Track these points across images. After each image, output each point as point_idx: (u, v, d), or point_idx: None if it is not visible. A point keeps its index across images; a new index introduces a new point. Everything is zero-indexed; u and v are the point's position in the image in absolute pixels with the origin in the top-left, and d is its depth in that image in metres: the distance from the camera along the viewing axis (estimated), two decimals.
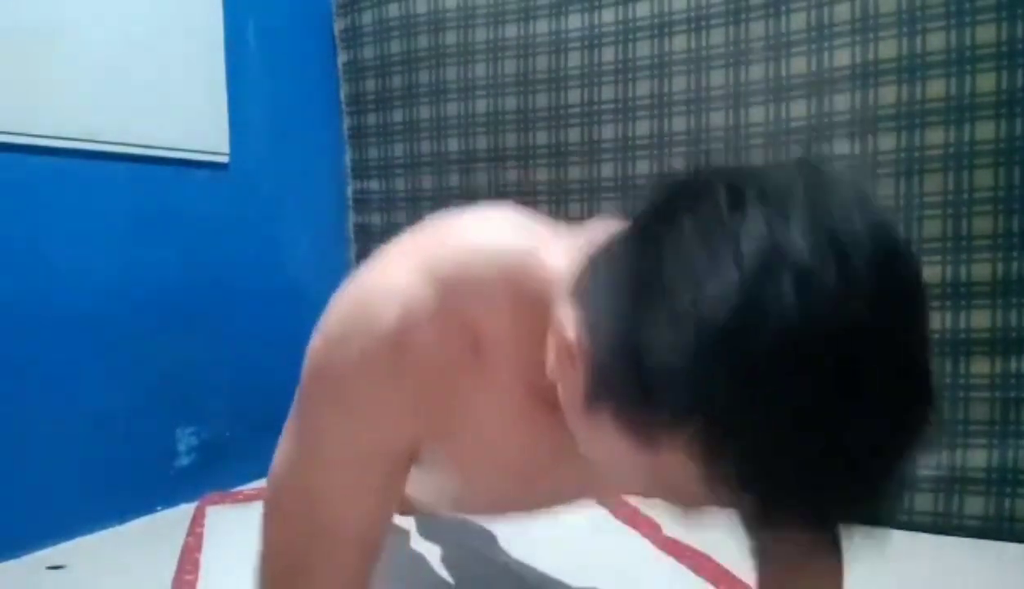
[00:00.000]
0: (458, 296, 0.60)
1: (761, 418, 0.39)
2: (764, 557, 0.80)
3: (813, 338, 0.39)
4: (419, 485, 0.72)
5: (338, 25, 2.41)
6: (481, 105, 2.19)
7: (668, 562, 1.51)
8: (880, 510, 0.43)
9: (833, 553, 0.77)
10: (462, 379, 0.61)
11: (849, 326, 0.39)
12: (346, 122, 2.44)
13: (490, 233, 0.63)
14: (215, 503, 1.91)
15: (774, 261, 0.39)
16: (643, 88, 1.97)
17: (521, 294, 0.60)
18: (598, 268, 0.49)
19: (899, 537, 1.67)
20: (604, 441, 0.47)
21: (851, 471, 0.41)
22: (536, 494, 0.74)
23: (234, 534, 1.71)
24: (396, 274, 0.62)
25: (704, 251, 0.41)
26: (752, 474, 0.41)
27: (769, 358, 0.39)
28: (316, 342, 0.66)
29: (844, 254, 0.40)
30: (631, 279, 0.44)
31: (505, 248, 0.62)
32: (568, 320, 0.50)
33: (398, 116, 2.33)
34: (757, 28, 1.83)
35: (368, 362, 0.60)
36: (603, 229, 0.53)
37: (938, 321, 1.68)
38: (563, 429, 0.54)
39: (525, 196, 2.15)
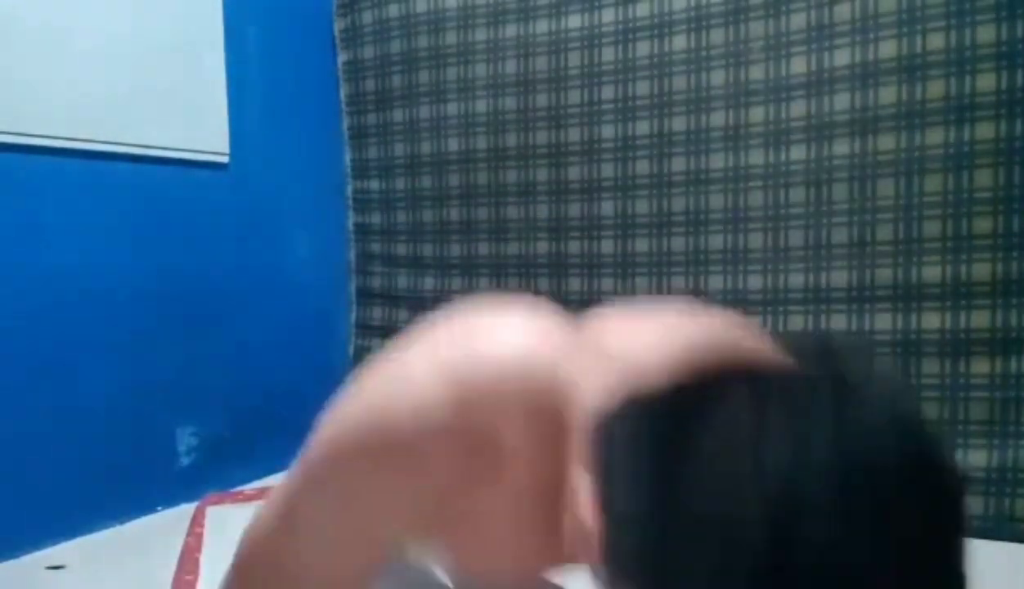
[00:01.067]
0: (478, 409, 0.58)
1: None
2: None
3: (838, 577, 0.38)
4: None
5: (338, 25, 2.42)
6: (481, 105, 2.19)
7: None
8: None
9: None
10: (474, 491, 0.60)
11: (876, 556, 0.38)
12: (346, 122, 2.45)
13: (515, 342, 0.60)
14: (215, 503, 1.91)
15: (798, 496, 0.39)
16: (643, 88, 1.97)
17: (542, 413, 0.58)
18: (617, 450, 0.48)
19: None
20: None
21: None
22: None
23: (234, 534, 1.71)
24: (417, 375, 0.60)
25: (729, 476, 0.40)
26: None
27: None
28: (329, 425, 0.64)
29: (872, 483, 0.39)
30: (651, 484, 0.44)
31: (531, 363, 0.59)
32: (585, 499, 0.49)
33: (398, 116, 2.33)
34: (757, 28, 1.83)
35: (381, 458, 0.59)
36: (622, 336, 0.52)
37: (938, 321, 1.69)
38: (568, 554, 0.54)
39: (525, 196, 2.15)
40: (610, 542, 0.47)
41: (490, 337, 0.61)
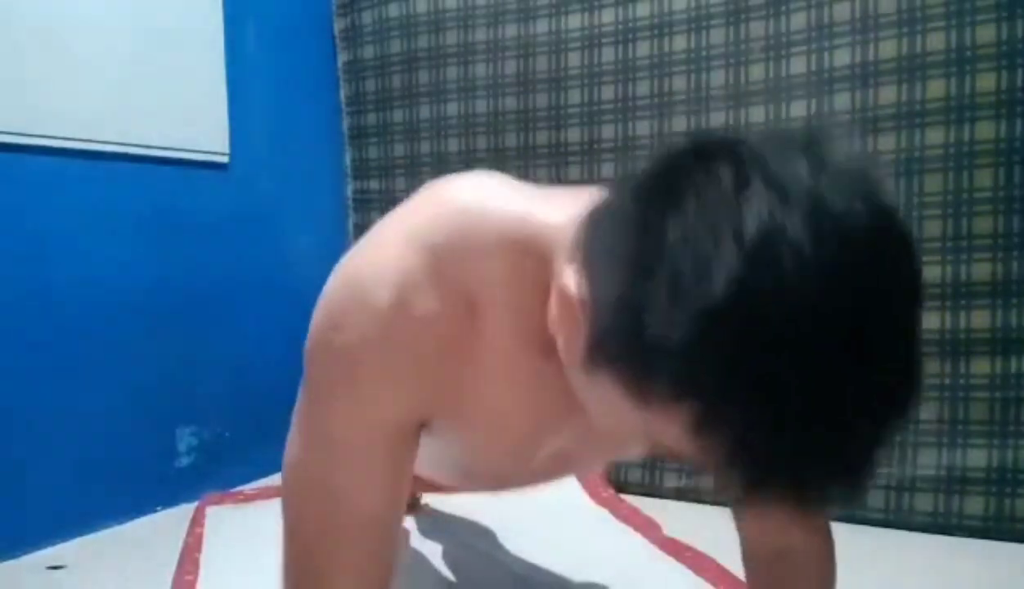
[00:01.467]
0: (451, 263, 0.60)
1: (753, 402, 0.41)
2: (753, 541, 0.80)
3: (808, 325, 0.40)
4: (424, 459, 0.72)
5: (338, 25, 2.42)
6: (481, 105, 2.19)
7: (668, 562, 1.51)
8: (860, 492, 0.44)
9: (824, 538, 0.77)
10: (461, 345, 0.61)
11: (844, 311, 0.40)
12: (346, 122, 2.45)
13: (483, 196, 0.63)
14: (215, 503, 1.91)
15: (774, 248, 0.40)
16: (643, 88, 1.97)
17: (518, 253, 0.60)
18: (602, 227, 0.49)
19: (899, 537, 1.68)
20: (601, 394, 0.49)
21: (836, 456, 0.42)
22: (541, 455, 0.73)
23: (234, 534, 1.71)
24: (387, 248, 0.63)
25: (707, 231, 0.41)
26: (741, 455, 0.42)
27: (763, 345, 0.40)
28: (314, 327, 0.66)
29: (844, 240, 0.41)
30: (635, 246, 0.44)
31: (499, 209, 0.62)
32: (570, 276, 0.50)
33: (398, 116, 2.33)
34: (757, 28, 1.83)
35: (365, 342, 0.61)
36: (599, 191, 0.53)
37: (938, 321, 1.68)
38: (564, 382, 0.55)
39: None
40: (594, 323, 0.47)
41: (456, 196, 0.64)
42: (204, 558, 1.57)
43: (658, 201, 0.44)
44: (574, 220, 0.53)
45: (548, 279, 0.57)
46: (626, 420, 0.48)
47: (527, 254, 0.59)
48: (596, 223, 0.50)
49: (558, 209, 0.59)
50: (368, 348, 0.61)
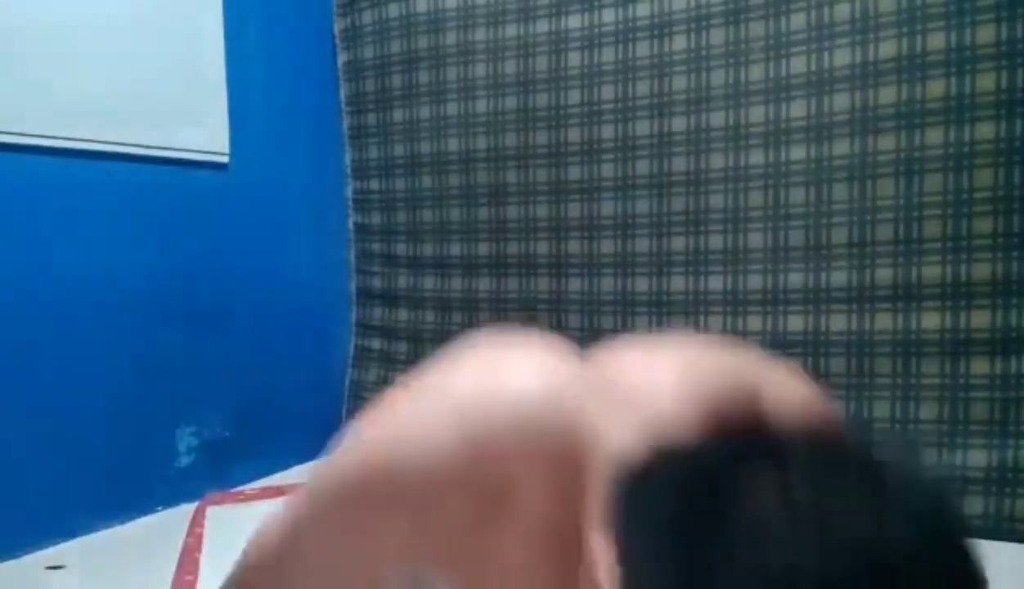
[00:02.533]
0: (491, 455, 0.56)
1: None
2: None
3: None
4: None
5: (338, 25, 2.42)
6: (481, 105, 2.19)
7: None
8: None
9: None
10: (483, 538, 0.58)
11: None
12: (346, 122, 2.44)
13: (530, 385, 0.58)
14: (215, 503, 1.91)
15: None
16: (643, 88, 1.97)
17: (558, 461, 0.56)
18: (638, 518, 0.46)
19: None
20: None
21: None
22: None
23: (234, 534, 1.71)
24: (428, 416, 0.59)
25: (753, 555, 0.39)
26: None
27: None
28: (338, 461, 0.62)
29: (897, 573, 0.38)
30: (674, 563, 0.42)
31: (546, 407, 0.57)
32: (602, 562, 0.48)
33: (398, 116, 2.33)
34: (757, 28, 1.82)
35: (388, 500, 0.58)
36: (636, 369, 0.50)
37: (938, 321, 1.69)
38: None
39: (525, 196, 2.15)
40: None
41: (504, 379, 0.59)
42: (204, 558, 1.57)
43: (702, 526, 0.42)
44: (617, 438, 0.50)
45: (577, 490, 0.54)
46: None
47: (561, 458, 0.55)
48: (630, 503, 0.47)
49: (600, 411, 0.55)
50: (391, 498, 0.59)
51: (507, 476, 0.56)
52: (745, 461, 0.42)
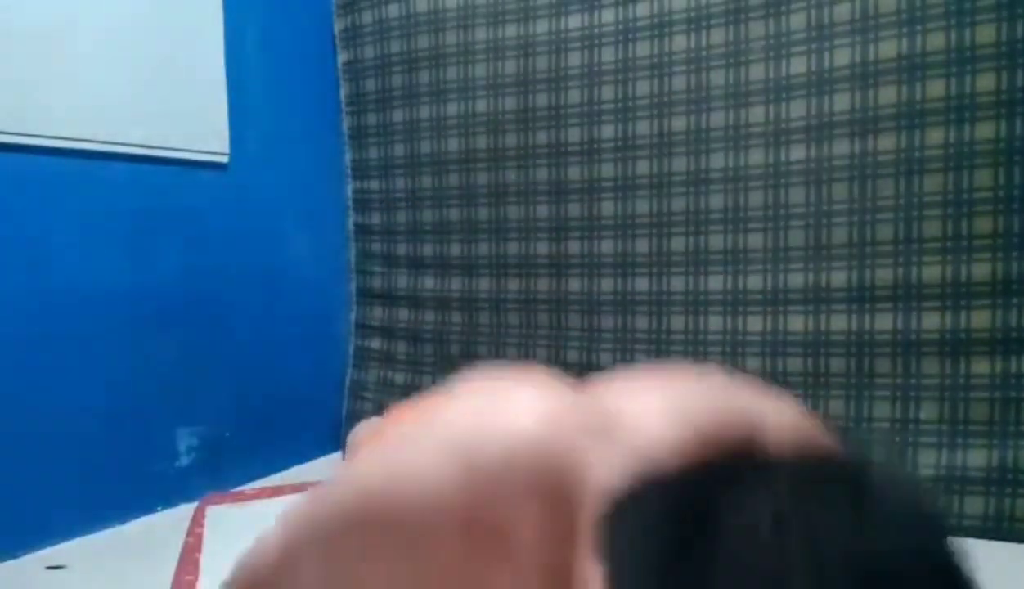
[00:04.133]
0: (487, 493, 0.57)
1: None
2: None
3: None
4: None
5: (338, 25, 2.42)
6: (481, 105, 2.19)
7: None
8: None
9: None
10: (480, 572, 0.58)
11: None
12: (346, 122, 2.45)
13: (526, 423, 0.59)
14: (215, 503, 1.91)
15: None
16: (643, 88, 1.97)
17: (554, 499, 0.56)
18: (630, 549, 0.47)
19: None
20: None
21: None
22: None
23: (234, 534, 1.71)
24: (424, 453, 0.59)
25: (743, 580, 0.40)
26: None
27: None
28: (332, 495, 0.62)
29: None
30: (663, 583, 0.43)
31: (542, 446, 0.57)
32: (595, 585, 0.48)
33: (398, 116, 2.33)
34: (757, 28, 1.83)
35: (382, 537, 0.59)
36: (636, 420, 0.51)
37: (938, 321, 1.69)
38: None
39: (525, 196, 2.15)
40: None
41: (500, 417, 0.59)
42: (204, 558, 1.57)
43: (692, 552, 0.43)
44: (610, 472, 0.50)
45: (574, 528, 0.55)
46: None
47: (559, 500, 0.55)
48: (623, 530, 0.48)
49: (600, 456, 0.56)
50: (385, 535, 0.59)
51: (503, 515, 0.56)
52: (734, 487, 0.43)
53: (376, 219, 2.42)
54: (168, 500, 1.92)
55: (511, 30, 2.12)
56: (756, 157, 1.85)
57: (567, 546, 0.55)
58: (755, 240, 1.88)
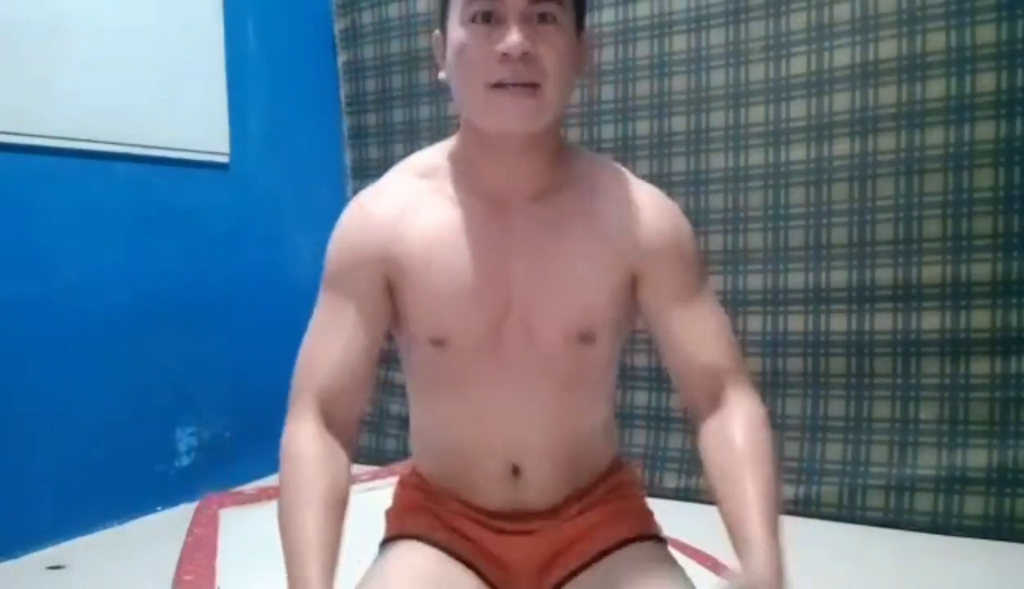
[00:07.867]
0: (415, 159, 0.87)
1: None
2: (694, 405, 0.83)
3: None
4: (423, 374, 0.85)
5: (338, 25, 2.41)
6: None
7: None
8: None
9: (757, 403, 0.80)
10: (420, 204, 0.82)
11: None
12: (346, 122, 2.44)
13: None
14: (215, 503, 1.91)
15: None
16: (643, 88, 1.97)
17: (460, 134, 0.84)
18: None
19: (900, 537, 1.68)
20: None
21: None
22: (503, 311, 0.79)
23: (234, 534, 1.71)
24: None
25: None
26: None
27: None
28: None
29: None
30: None
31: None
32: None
33: (398, 116, 2.33)
34: (757, 28, 1.82)
35: (344, 234, 0.88)
36: None
37: (938, 321, 1.69)
38: (507, 221, 0.76)
39: None
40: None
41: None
42: (204, 558, 1.57)
43: None
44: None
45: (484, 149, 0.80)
46: None
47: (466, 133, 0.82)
48: None
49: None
50: (344, 240, 0.88)
51: (429, 162, 0.86)
52: None
53: None
54: (168, 500, 1.92)
55: None
56: (756, 157, 1.85)
57: (481, 159, 0.81)
58: (755, 240, 1.87)
